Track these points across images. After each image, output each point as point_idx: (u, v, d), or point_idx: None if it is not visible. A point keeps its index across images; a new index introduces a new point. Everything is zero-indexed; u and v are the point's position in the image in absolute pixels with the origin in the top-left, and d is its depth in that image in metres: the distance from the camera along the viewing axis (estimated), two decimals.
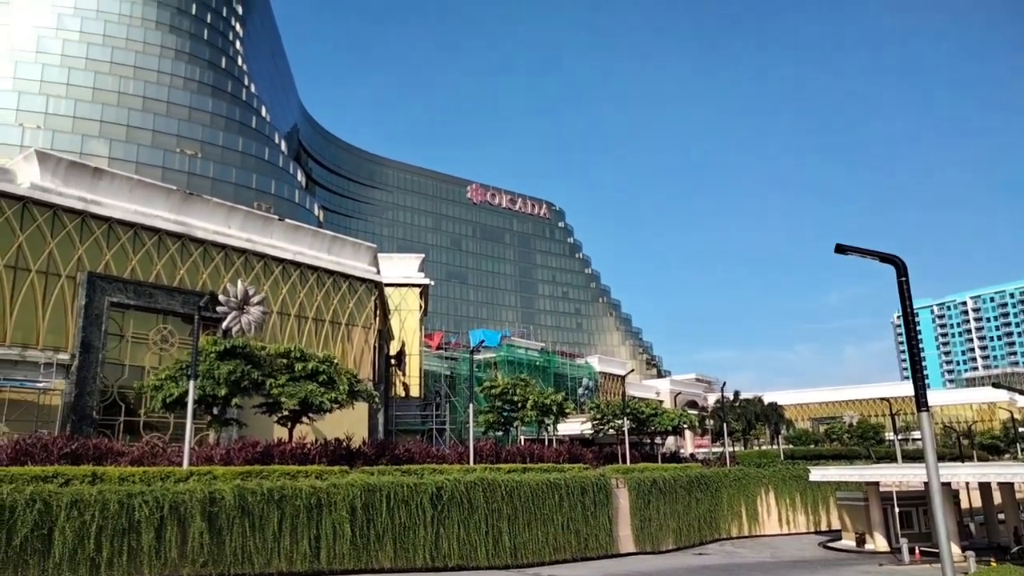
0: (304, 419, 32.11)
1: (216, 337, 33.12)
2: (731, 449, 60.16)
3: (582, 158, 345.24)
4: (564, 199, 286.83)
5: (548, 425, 45.70)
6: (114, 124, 68.94)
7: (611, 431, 51.71)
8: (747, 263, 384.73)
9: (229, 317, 36.65)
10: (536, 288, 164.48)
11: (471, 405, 39.28)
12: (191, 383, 25.85)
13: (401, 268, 56.98)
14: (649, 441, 55.74)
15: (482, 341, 61.77)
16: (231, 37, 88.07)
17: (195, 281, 38.00)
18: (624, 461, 45.46)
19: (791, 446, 69.28)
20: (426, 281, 58.17)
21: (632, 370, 66.99)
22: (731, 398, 70.45)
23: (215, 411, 29.60)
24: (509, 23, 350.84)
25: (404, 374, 56.13)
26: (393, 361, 54.82)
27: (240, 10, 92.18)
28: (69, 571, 14.72)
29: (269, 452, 26.97)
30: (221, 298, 36.31)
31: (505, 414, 44.00)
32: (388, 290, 53.33)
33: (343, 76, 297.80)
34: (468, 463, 34.10)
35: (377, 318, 47.75)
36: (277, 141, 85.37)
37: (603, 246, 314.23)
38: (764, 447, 74.04)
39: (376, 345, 47.24)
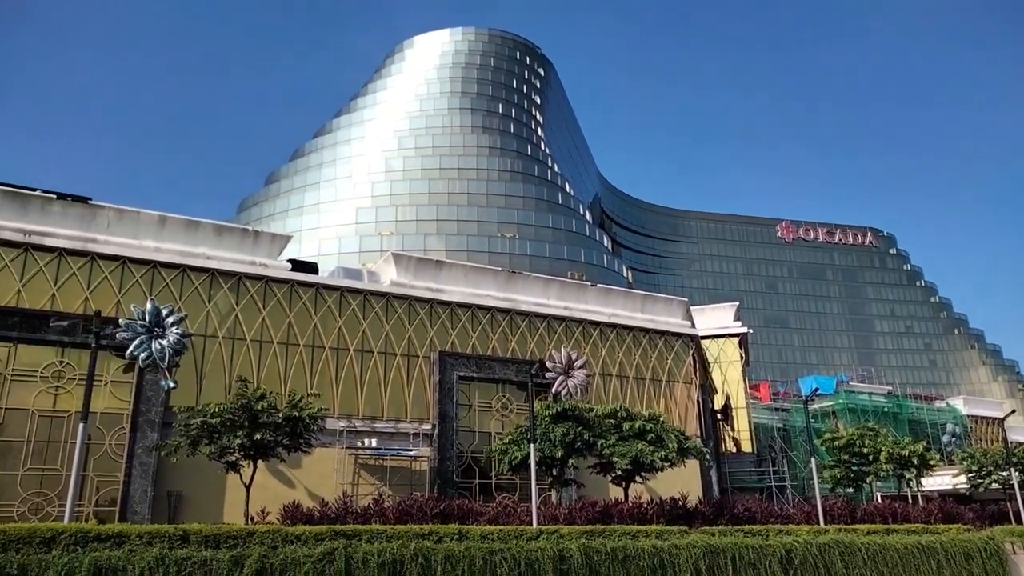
0: (637, 478, 32.41)
1: (548, 402, 35.38)
2: None
3: (910, 171, 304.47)
4: (893, 223, 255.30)
5: (909, 480, 40.18)
6: (447, 221, 79.26)
7: (994, 485, 43.57)
8: None
9: (557, 382, 38.97)
10: (871, 325, 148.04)
11: (813, 460, 36.23)
12: (531, 446, 27.78)
13: (715, 319, 55.62)
14: None
15: (816, 389, 57.02)
16: (533, 126, 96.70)
17: (524, 350, 41.22)
18: (1018, 521, 37.86)
19: None
20: (743, 329, 55.91)
21: (1013, 411, 56.19)
22: None
23: (554, 472, 31.31)
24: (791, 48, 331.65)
25: (732, 429, 53.94)
26: (719, 416, 53.12)
27: (539, 100, 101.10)
28: None
29: (608, 511, 27.62)
30: (548, 364, 38.85)
31: (855, 468, 39.76)
32: (705, 343, 52.28)
33: (633, 138, 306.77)
34: (817, 523, 31.24)
35: (697, 372, 46.91)
36: (582, 212, 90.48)
37: (954, 270, 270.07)
38: None
39: (699, 400, 46.27)
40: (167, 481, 29.79)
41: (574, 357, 39.84)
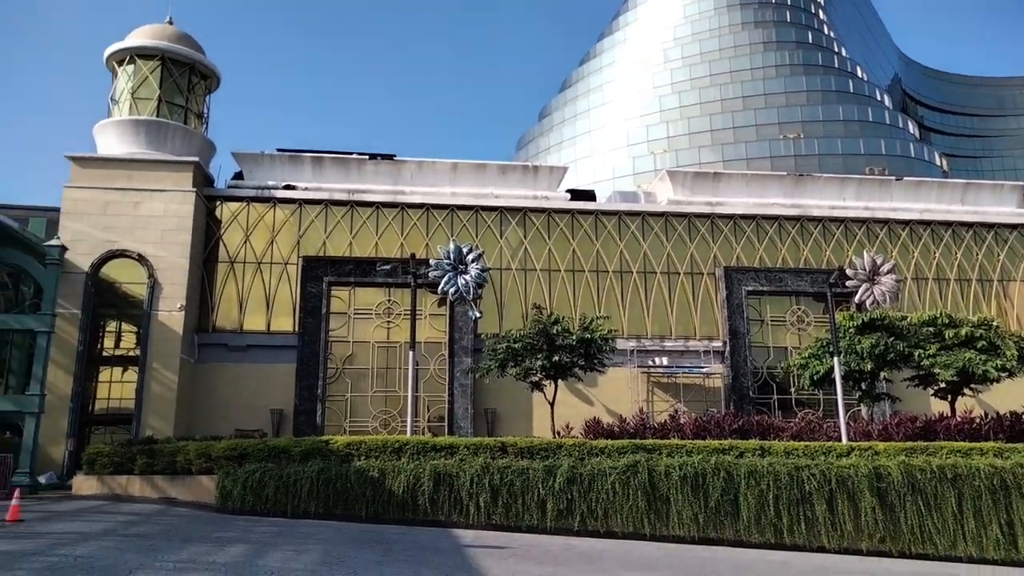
0: (965, 391, 28.80)
1: (851, 312, 32.65)
2: None
3: None
4: None
5: None
6: (722, 130, 75.25)
7: None
8: None
9: (860, 290, 35.70)
10: None
11: None
12: (835, 360, 26.02)
13: None
14: None
15: None
16: (813, 10, 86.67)
17: (819, 259, 38.27)
18: None
19: None
20: None
21: None
22: None
23: (863, 386, 29.06)
24: None
25: None
26: None
27: None
28: (756, 533, 16.44)
29: (931, 428, 25.03)
30: (849, 272, 35.66)
31: None
32: None
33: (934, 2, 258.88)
34: None
35: None
36: (879, 98, 79.75)
37: None
38: None
39: None
40: (483, 399, 33.39)
41: (879, 262, 36.05)
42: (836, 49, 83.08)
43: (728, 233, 38.22)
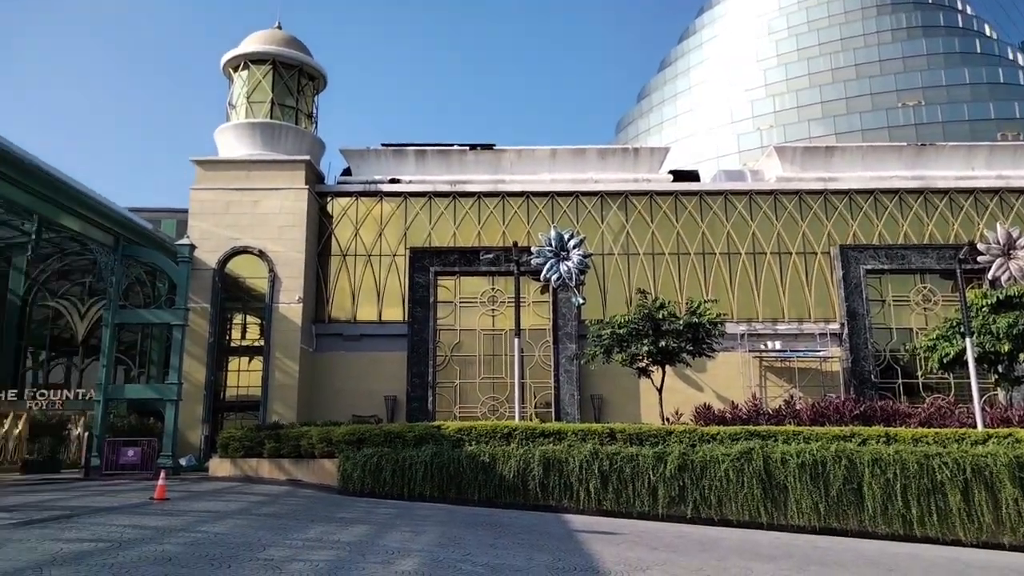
0: None
1: (984, 290, 30.37)
2: None
3: None
4: None
5: None
6: (833, 101, 71.41)
7: None
8: None
9: (994, 266, 33.03)
10: None
11: None
12: (967, 341, 24.32)
13: None
14: None
15: None
16: None
17: (945, 234, 35.84)
18: None
19: None
20: None
21: None
22: None
23: (999, 369, 27.03)
24: None
25: None
26: None
27: None
28: (883, 524, 15.63)
29: None
30: (980, 246, 33.09)
31: None
32: None
33: None
34: None
35: None
36: (1011, 57, 73.35)
37: None
38: None
39: None
40: (589, 386, 33.36)
41: (1015, 235, 33.25)
42: (960, 7, 77.01)
43: (843, 210, 36.36)
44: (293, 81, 37.65)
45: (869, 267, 34.75)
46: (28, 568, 8.06)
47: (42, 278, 34.90)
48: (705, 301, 28.53)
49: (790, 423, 23.42)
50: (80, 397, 28.78)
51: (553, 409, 32.98)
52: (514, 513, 17.09)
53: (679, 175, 38.82)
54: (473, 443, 19.52)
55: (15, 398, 28.66)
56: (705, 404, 27.94)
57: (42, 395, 29.20)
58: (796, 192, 36.52)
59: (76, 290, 35.09)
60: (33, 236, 25.53)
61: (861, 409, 24.06)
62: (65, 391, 30.00)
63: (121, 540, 10.41)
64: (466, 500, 18.41)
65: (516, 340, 26.27)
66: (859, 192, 36.48)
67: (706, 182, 38.93)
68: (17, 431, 26.85)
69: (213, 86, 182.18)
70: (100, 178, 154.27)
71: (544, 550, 11.44)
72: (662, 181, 37.45)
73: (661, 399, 27.62)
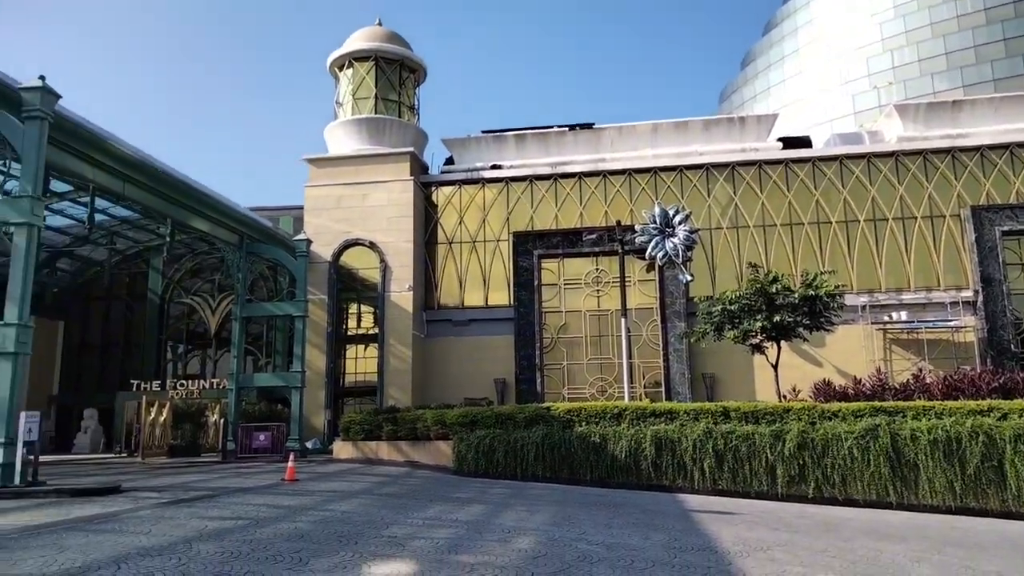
0: None
1: None
2: None
3: None
4: None
5: None
6: (959, 51, 66.07)
7: None
8: None
9: None
10: None
11: None
12: None
13: None
14: None
15: None
16: None
17: None
18: None
19: None
20: None
21: None
22: None
23: None
24: None
25: None
26: None
27: None
28: None
29: None
30: None
31: None
32: None
33: None
34: None
35: None
36: None
37: None
38: None
39: None
40: (700, 364, 32.66)
41: None
42: None
43: (974, 168, 33.68)
44: (395, 75, 38.62)
45: (1005, 228, 32.06)
46: (179, 542, 8.82)
47: (177, 277, 37.77)
48: (822, 272, 27.19)
49: (920, 398, 22.08)
50: (215, 386, 31.02)
51: (663, 389, 32.53)
52: (627, 493, 17.06)
53: (789, 142, 37.12)
54: (583, 424, 19.59)
55: (159, 388, 31.26)
56: (825, 380, 26.77)
57: (182, 385, 31.70)
58: (920, 152, 34.12)
59: (207, 287, 37.73)
60: (167, 238, 27.63)
61: (1000, 381, 22.37)
62: (201, 381, 32.43)
63: (258, 518, 11.19)
64: (578, 480, 18.54)
65: (623, 320, 26.08)
66: (992, 148, 33.66)
67: (819, 147, 37.02)
68: (163, 419, 29.25)
69: (323, 87, 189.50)
70: (222, 180, 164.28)
71: (660, 529, 11.38)
72: (771, 149, 35.94)
73: (777, 376, 26.66)
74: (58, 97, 17.63)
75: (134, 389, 30.74)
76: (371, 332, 35.30)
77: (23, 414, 15.58)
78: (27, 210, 16.51)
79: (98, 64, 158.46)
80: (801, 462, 16.44)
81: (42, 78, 17.13)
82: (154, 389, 30.76)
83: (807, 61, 76.09)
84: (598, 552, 9.09)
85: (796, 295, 25.57)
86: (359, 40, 39.00)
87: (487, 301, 35.82)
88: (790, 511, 14.79)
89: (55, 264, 35.71)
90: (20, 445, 15.36)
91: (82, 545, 8.58)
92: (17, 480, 15.21)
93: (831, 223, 34.15)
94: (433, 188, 37.45)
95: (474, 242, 36.51)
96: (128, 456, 29.98)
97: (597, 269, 34.68)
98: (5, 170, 20.47)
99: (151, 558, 7.83)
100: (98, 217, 27.52)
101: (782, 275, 27.10)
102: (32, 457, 15.72)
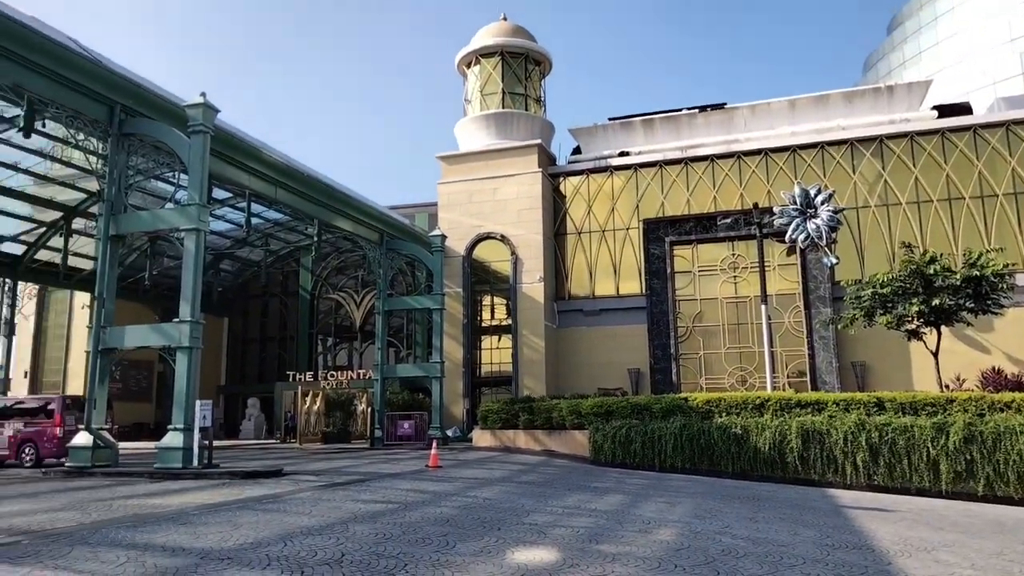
0: None
1: None
2: None
3: None
4: None
5: None
6: None
7: None
8: None
9: None
10: None
11: None
12: None
13: None
14: None
15: None
16: None
17: None
18: None
19: None
20: None
21: None
22: None
23: None
24: None
25: None
26: None
27: None
28: None
29: None
30: None
31: None
32: None
33: None
34: None
35: None
36: None
37: None
38: None
39: None
40: (849, 352, 30.81)
41: None
42: None
43: None
44: (520, 69, 39.02)
45: None
46: (336, 523, 9.45)
47: (324, 274, 40.26)
48: (987, 251, 24.82)
49: None
50: (361, 377, 32.81)
51: (808, 378, 30.97)
52: (771, 486, 16.44)
53: (945, 110, 34.12)
54: (723, 415, 19.05)
55: (312, 379, 33.47)
56: (994, 368, 24.54)
57: (332, 376, 33.78)
58: None
59: (351, 283, 39.96)
60: (315, 238, 29.45)
61: None
62: (349, 372, 34.37)
63: (406, 502, 11.77)
64: (718, 472, 18.06)
65: (763, 307, 25.08)
66: None
67: (980, 114, 33.80)
68: (316, 407, 31.32)
69: (451, 86, 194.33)
70: (361, 181, 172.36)
71: (809, 525, 10.89)
72: (924, 119, 33.19)
73: (937, 364, 24.65)
74: (217, 111, 19.21)
75: (290, 380, 33.12)
76: (504, 323, 35.98)
77: (198, 403, 17.22)
78: (195, 216, 18.15)
79: (223, 68, 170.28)
80: (968, 457, 15.16)
81: (203, 95, 18.73)
82: (307, 380, 32.99)
83: (964, 20, 69.32)
84: (743, 547, 8.84)
85: (958, 276, 23.48)
86: (485, 36, 39.67)
87: (618, 290, 35.53)
88: (956, 509, 13.70)
89: (219, 265, 39.06)
90: (196, 431, 16.98)
91: (253, 523, 9.38)
92: (195, 463, 16.82)
93: (997, 196, 31.11)
94: (561, 179, 37.53)
95: (603, 231, 36.28)
96: (282, 442, 32.35)
97: (733, 254, 33.50)
98: (175, 181, 22.58)
99: (313, 536, 8.44)
100: (254, 221, 29.86)
101: (941, 255, 24.98)
102: (207, 442, 17.33)
